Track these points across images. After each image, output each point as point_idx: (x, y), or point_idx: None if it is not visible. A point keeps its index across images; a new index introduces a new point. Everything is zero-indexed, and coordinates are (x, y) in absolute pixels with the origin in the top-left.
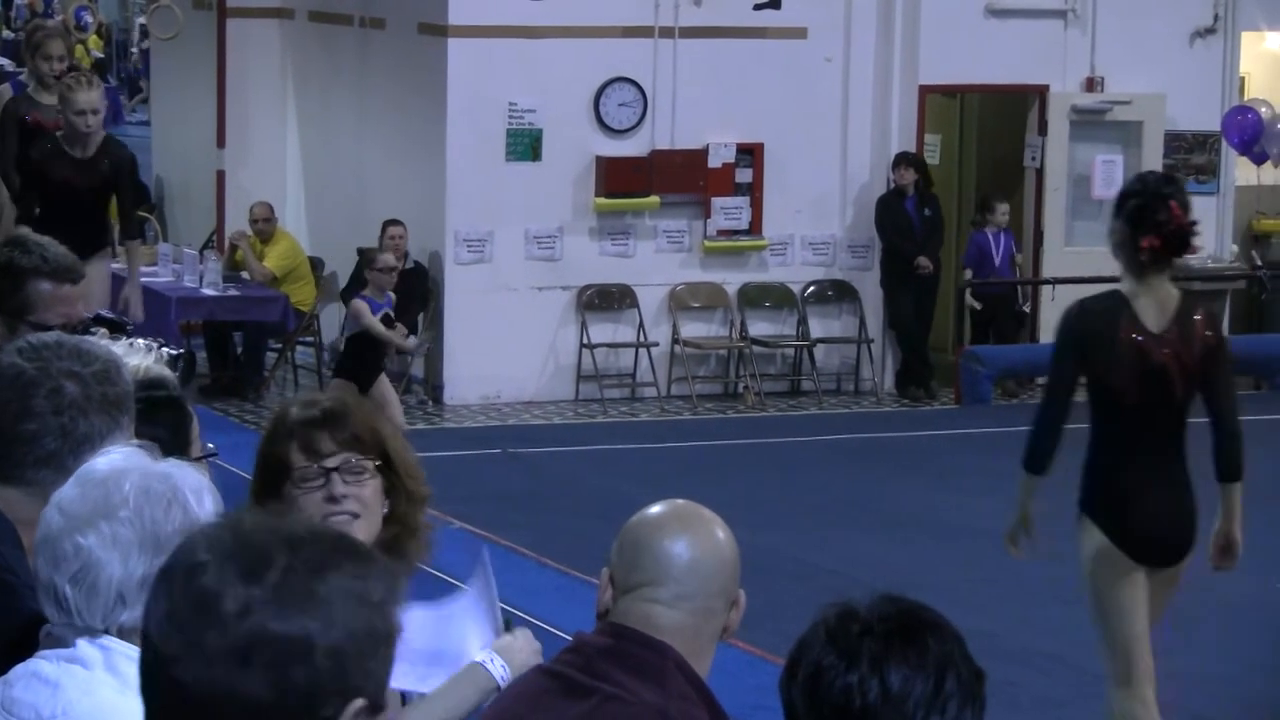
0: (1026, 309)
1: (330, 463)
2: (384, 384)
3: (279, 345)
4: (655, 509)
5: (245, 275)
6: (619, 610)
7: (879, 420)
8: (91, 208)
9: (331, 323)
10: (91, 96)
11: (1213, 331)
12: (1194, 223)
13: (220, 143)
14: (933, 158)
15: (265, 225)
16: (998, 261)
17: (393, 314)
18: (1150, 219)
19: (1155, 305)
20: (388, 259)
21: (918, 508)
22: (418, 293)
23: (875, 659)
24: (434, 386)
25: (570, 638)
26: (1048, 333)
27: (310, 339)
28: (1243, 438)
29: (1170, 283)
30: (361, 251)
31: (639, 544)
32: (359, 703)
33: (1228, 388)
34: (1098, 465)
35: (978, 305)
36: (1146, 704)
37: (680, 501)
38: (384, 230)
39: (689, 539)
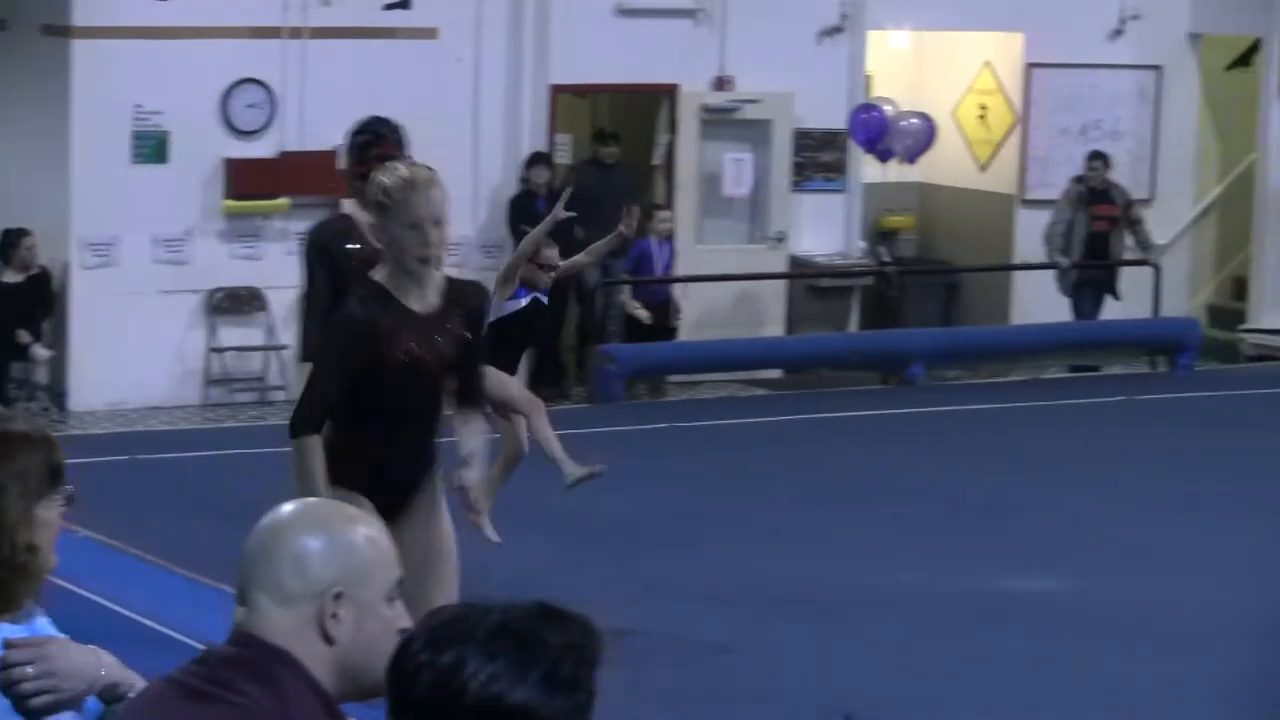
0: (677, 324)
1: None
2: None
3: None
4: (281, 511)
5: None
6: (241, 617)
7: None
8: None
9: None
10: None
11: None
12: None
13: None
14: (564, 157)
15: None
16: (659, 270)
17: None
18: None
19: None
20: None
21: (547, 508)
22: (41, 300)
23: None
24: (58, 393)
25: (202, 646)
26: (682, 330)
27: None
28: None
29: None
30: None
31: (259, 548)
32: None
33: None
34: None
35: (645, 315)
36: None
37: (313, 501)
38: (9, 239)
39: (307, 540)
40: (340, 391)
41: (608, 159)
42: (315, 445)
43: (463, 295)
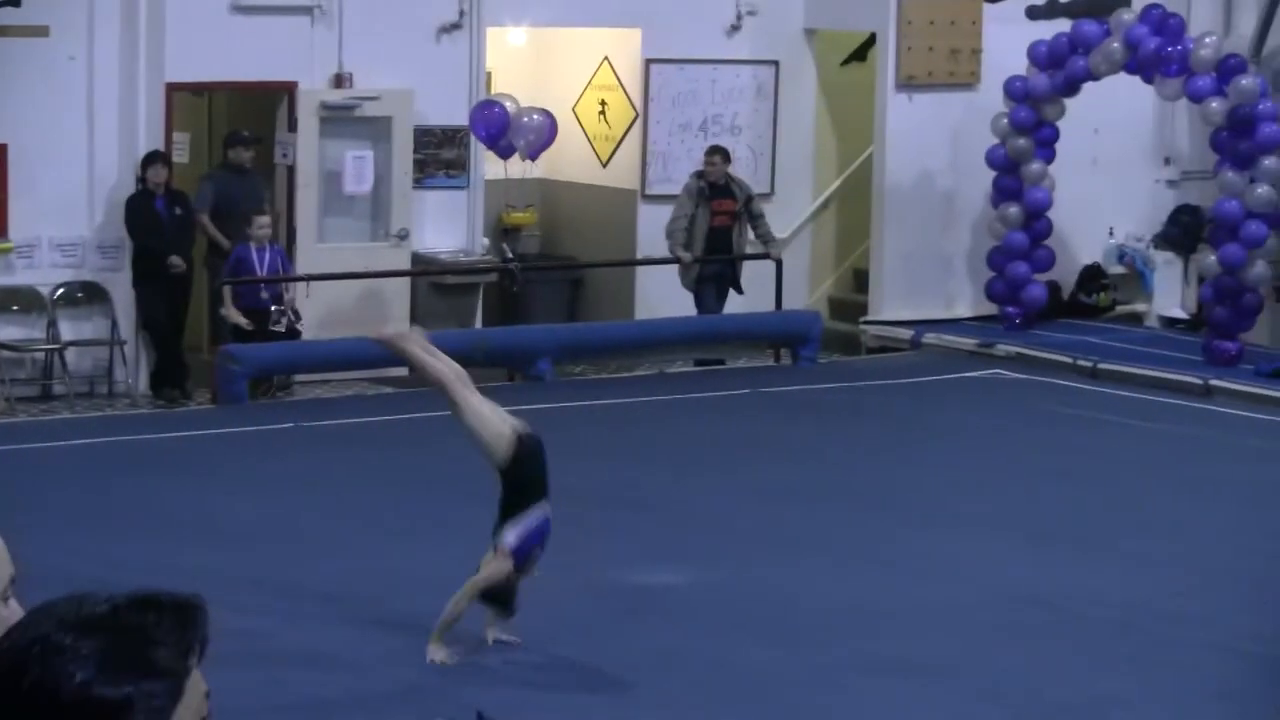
0: (281, 329)
1: None
2: None
3: None
4: None
5: None
6: None
7: (135, 423)
8: None
9: None
10: None
11: None
12: None
13: None
14: (181, 156)
15: None
16: (262, 274)
17: None
18: None
19: None
20: None
21: (179, 510)
22: None
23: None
24: None
25: None
26: (305, 329)
27: None
28: None
29: None
30: None
31: None
32: None
33: None
34: None
35: (244, 322)
36: None
37: None
38: None
39: None
40: None
41: (243, 163)
42: None
43: None
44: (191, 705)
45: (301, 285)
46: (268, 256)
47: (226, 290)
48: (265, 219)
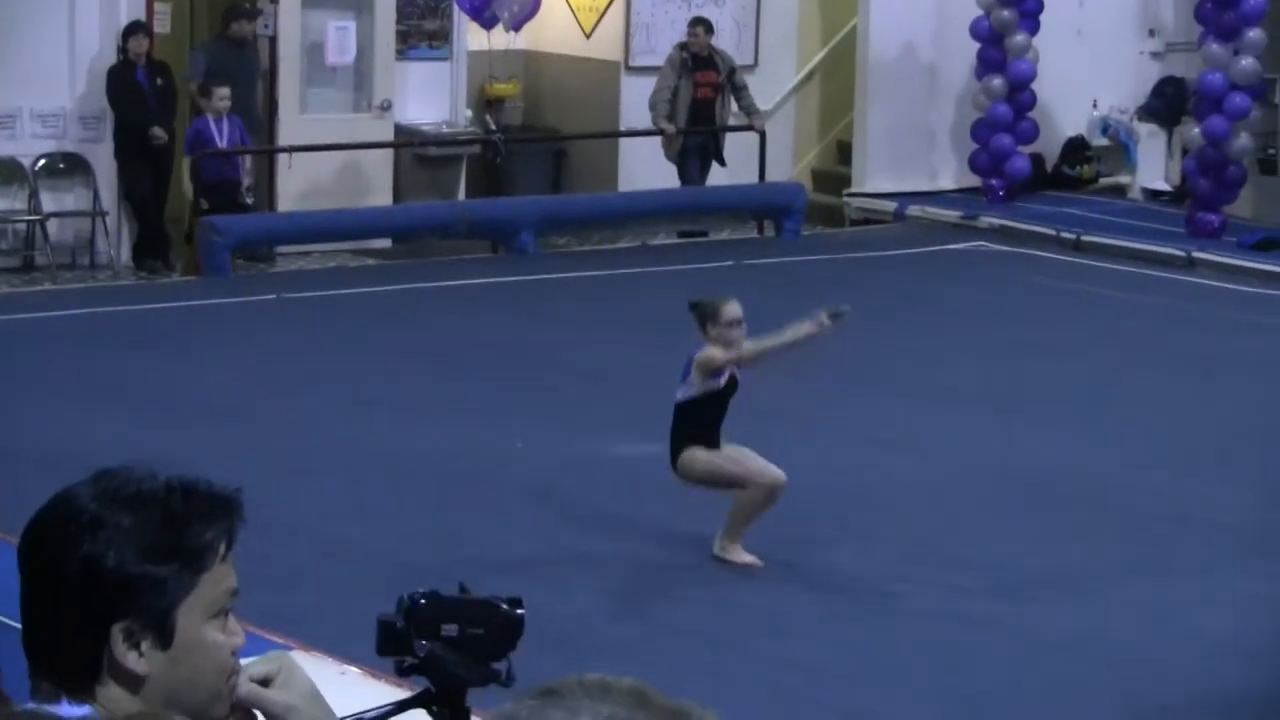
0: (250, 200)
1: None
2: None
3: None
4: None
5: None
6: None
7: (117, 294)
8: None
9: None
10: None
11: None
12: None
13: None
14: (163, 27)
15: None
16: (223, 147)
17: None
18: None
19: None
20: None
21: (160, 382)
22: None
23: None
24: None
25: None
26: (287, 201)
27: None
28: None
29: None
30: None
31: None
32: None
33: None
34: None
35: (204, 203)
36: None
37: None
38: None
39: None
40: None
41: (245, 36)
42: None
43: None
44: (208, 597)
45: (283, 157)
46: (226, 128)
47: (186, 166)
48: (225, 90)
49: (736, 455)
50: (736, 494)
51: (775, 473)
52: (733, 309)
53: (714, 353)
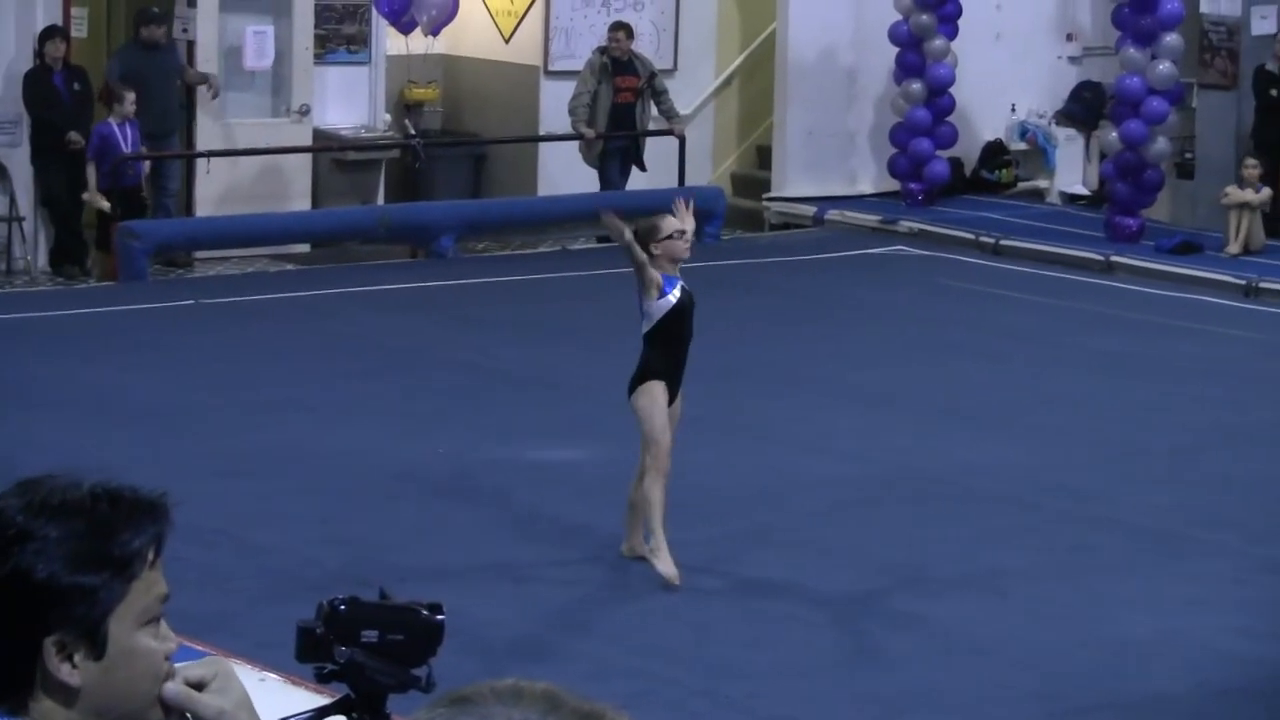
0: (173, 204)
1: None
2: None
3: None
4: None
5: None
6: None
7: (34, 300)
8: None
9: None
10: None
11: None
12: None
13: None
14: (80, 31)
15: None
16: (127, 151)
17: None
18: None
19: None
20: None
21: (79, 387)
22: None
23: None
24: None
25: None
26: (205, 206)
27: None
28: None
29: None
30: None
31: None
32: None
33: None
34: None
35: (107, 206)
36: None
37: None
38: None
39: None
40: None
41: (157, 40)
42: None
43: None
44: (139, 604)
45: (201, 162)
46: (129, 133)
47: (91, 171)
48: (131, 95)
49: (665, 423)
50: (632, 492)
51: (666, 443)
52: (671, 221)
53: (650, 271)
